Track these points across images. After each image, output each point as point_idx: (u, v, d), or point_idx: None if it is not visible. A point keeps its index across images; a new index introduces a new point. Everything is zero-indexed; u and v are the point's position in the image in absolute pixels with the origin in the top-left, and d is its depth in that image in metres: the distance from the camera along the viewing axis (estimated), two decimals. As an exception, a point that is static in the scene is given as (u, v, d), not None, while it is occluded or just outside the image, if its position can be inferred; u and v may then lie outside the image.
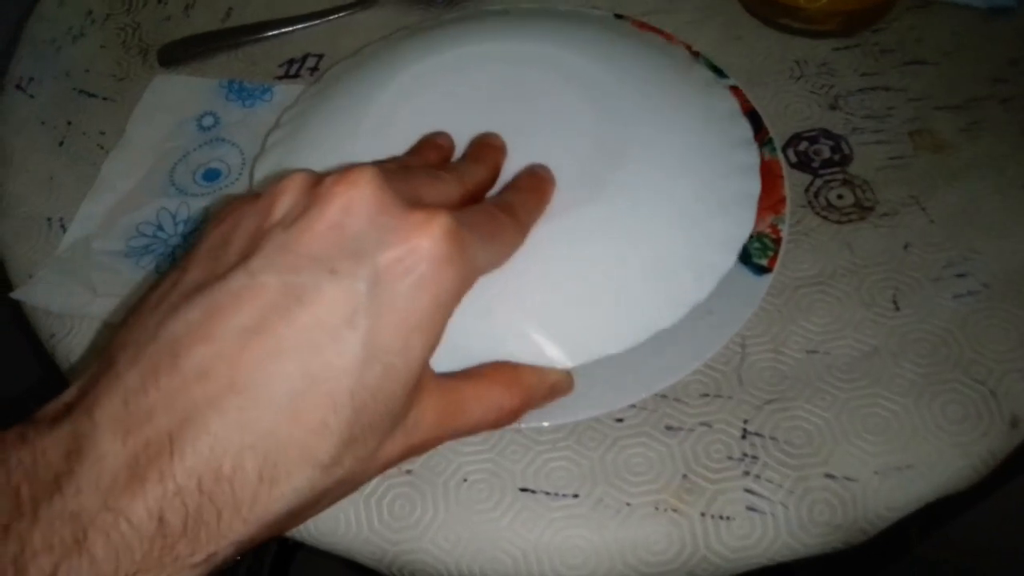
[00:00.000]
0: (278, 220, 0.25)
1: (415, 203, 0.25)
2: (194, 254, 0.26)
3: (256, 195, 0.26)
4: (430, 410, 0.26)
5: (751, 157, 0.36)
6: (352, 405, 0.22)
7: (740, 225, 0.34)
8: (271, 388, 0.21)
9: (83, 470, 0.20)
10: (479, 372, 0.29)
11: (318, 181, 0.25)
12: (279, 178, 0.26)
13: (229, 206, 0.27)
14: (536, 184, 0.33)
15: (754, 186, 0.35)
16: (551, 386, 0.31)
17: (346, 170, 0.25)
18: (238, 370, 0.21)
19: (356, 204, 0.24)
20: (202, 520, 0.20)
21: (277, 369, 0.22)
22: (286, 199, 0.25)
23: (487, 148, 0.35)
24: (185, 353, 0.22)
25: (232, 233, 0.25)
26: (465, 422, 0.28)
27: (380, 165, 0.26)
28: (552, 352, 0.31)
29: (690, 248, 0.33)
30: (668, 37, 0.43)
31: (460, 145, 0.36)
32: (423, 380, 0.25)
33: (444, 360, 0.27)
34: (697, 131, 0.36)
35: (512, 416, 0.29)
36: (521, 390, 0.29)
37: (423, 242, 0.24)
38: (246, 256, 0.24)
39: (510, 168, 0.35)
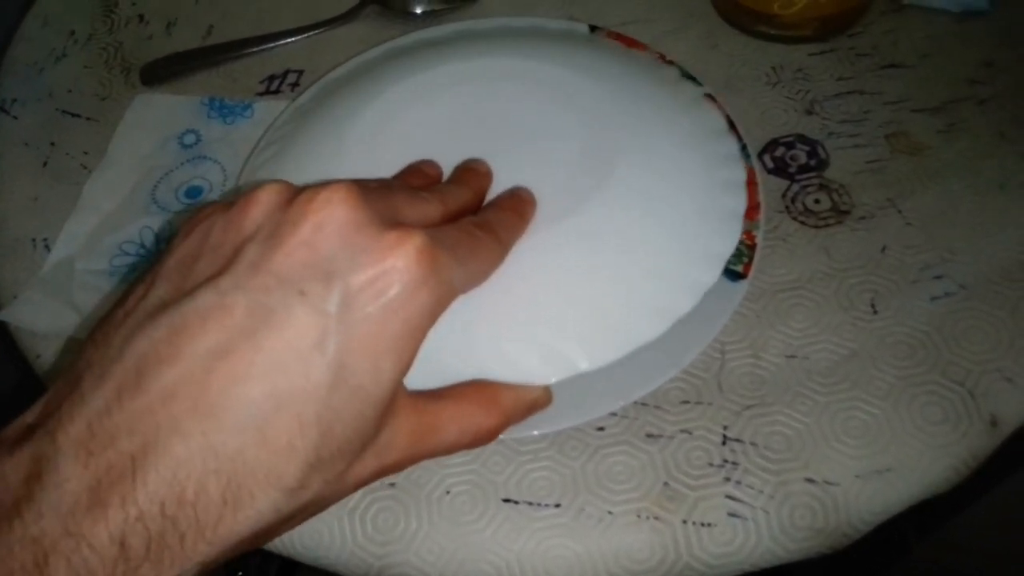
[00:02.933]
0: (249, 235, 0.24)
1: (391, 222, 0.24)
2: (162, 266, 0.25)
3: (228, 203, 0.25)
4: (403, 431, 0.25)
5: (737, 173, 0.36)
6: (319, 429, 0.22)
7: (725, 241, 0.34)
8: (237, 412, 0.21)
9: (44, 494, 0.20)
10: (456, 392, 0.29)
11: (293, 196, 0.24)
12: (252, 188, 0.25)
13: (199, 215, 0.26)
14: (516, 204, 0.33)
15: (740, 203, 0.35)
16: (529, 404, 0.30)
17: (322, 186, 0.24)
18: (204, 393, 0.21)
19: (329, 223, 0.23)
20: (165, 543, 0.20)
21: (243, 392, 0.21)
22: (258, 212, 0.24)
23: (472, 173, 0.34)
24: (150, 374, 0.21)
25: (202, 246, 0.25)
26: (440, 443, 0.27)
27: (359, 182, 0.25)
28: (532, 367, 0.31)
29: (674, 263, 0.33)
30: (643, 47, 0.43)
31: (446, 164, 0.36)
32: (396, 400, 0.25)
33: (421, 376, 0.27)
34: (683, 147, 0.37)
35: (489, 436, 0.29)
36: (499, 410, 0.29)
37: (396, 263, 0.23)
38: (215, 273, 0.23)
39: (497, 185, 0.35)
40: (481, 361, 0.31)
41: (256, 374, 0.22)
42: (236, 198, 0.25)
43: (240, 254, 0.23)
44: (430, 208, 0.29)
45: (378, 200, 0.25)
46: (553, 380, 0.31)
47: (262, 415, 0.21)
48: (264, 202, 0.24)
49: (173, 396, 0.21)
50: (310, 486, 0.22)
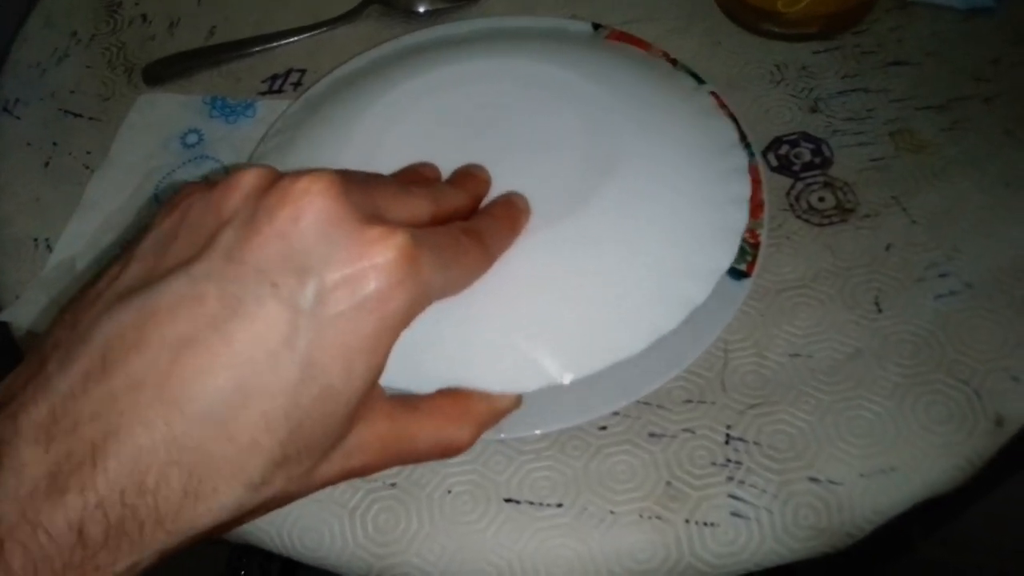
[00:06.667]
0: (227, 219, 0.23)
1: (373, 217, 0.24)
2: (138, 246, 0.24)
3: (211, 184, 0.25)
4: (375, 435, 0.25)
5: (742, 188, 0.36)
6: (287, 426, 0.22)
7: (720, 259, 0.34)
8: (201, 403, 0.21)
9: (2, 479, 0.20)
10: (431, 403, 0.28)
11: (274, 181, 0.24)
12: (235, 170, 0.24)
13: (180, 193, 0.25)
14: (509, 213, 0.32)
15: (740, 219, 0.35)
16: (501, 412, 0.30)
17: (303, 173, 0.23)
18: (169, 383, 0.21)
19: (307, 214, 0.22)
20: (124, 531, 0.20)
21: (209, 384, 0.21)
22: (237, 196, 0.24)
23: (470, 178, 0.34)
24: (116, 360, 0.21)
25: (179, 226, 0.24)
26: (411, 452, 0.27)
27: (344, 172, 0.24)
28: (510, 374, 0.30)
29: (666, 278, 0.33)
30: (647, 46, 0.43)
31: (450, 164, 0.35)
32: (372, 403, 0.24)
33: (401, 374, 0.26)
34: (689, 159, 0.36)
35: (460, 449, 0.29)
36: (472, 422, 0.29)
37: (375, 260, 0.22)
38: (189, 258, 0.23)
39: (496, 187, 0.34)
40: (460, 364, 0.30)
41: (222, 366, 0.21)
42: (219, 178, 0.25)
43: (215, 239, 0.23)
44: (419, 205, 0.28)
45: (361, 193, 0.24)
46: (531, 389, 0.31)
47: (227, 409, 0.21)
48: (244, 186, 0.24)
49: (137, 384, 0.21)
50: (274, 482, 0.22)
